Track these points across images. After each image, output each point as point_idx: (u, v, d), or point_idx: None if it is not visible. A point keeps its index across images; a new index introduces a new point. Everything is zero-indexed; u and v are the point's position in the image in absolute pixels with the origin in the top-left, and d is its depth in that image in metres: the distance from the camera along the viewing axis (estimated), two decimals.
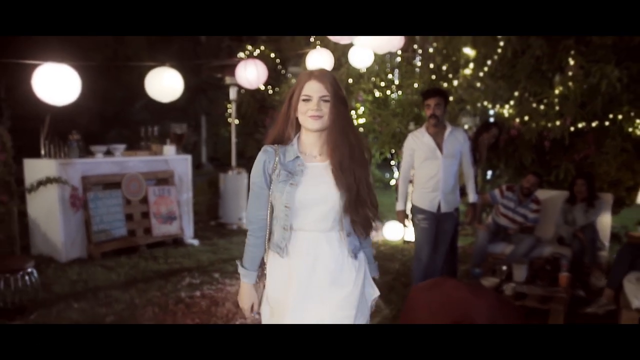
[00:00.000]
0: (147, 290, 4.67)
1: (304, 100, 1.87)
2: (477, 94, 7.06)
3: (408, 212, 4.46)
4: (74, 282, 4.87)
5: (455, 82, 7.15)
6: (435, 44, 7.54)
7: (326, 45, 7.04)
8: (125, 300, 4.42)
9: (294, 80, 8.40)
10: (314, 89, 1.86)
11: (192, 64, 10.72)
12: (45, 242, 5.53)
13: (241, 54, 8.97)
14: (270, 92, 8.91)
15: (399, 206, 4.30)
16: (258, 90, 8.65)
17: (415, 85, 7.55)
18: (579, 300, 4.45)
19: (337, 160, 1.86)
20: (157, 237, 6.17)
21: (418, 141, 4.11)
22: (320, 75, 1.90)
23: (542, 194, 5.45)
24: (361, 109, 8.04)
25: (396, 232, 6.95)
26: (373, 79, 7.96)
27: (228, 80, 7.80)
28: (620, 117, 6.42)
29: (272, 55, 8.85)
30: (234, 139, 8.45)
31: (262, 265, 2.05)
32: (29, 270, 4.05)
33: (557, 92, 6.64)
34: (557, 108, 6.57)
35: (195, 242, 6.52)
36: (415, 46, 8.12)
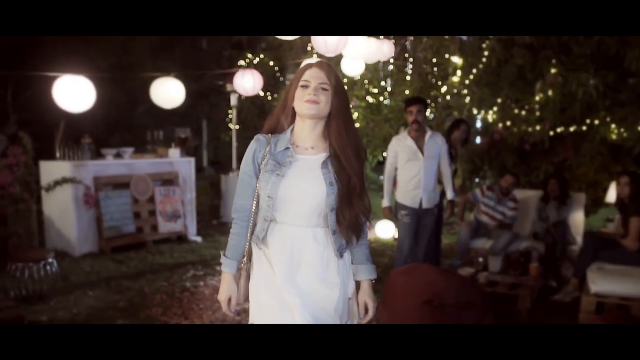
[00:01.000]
0: (155, 281, 5.10)
1: (302, 86, 1.85)
2: (462, 101, 7.51)
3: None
4: (88, 273, 5.30)
5: (443, 89, 7.59)
6: (424, 54, 7.99)
7: (322, 54, 7.46)
8: (136, 288, 4.85)
9: None
10: (313, 76, 1.84)
11: (195, 74, 11.12)
12: (59, 237, 5.96)
13: (241, 62, 9.43)
14: (269, 98, 9.36)
15: (385, 203, 4.73)
16: (258, 96, 9.10)
17: (407, 92, 7.98)
18: (551, 289, 4.87)
19: (344, 152, 1.83)
20: (163, 234, 6.61)
21: (401, 144, 4.54)
22: (320, 64, 1.89)
23: (520, 193, 5.88)
24: (355, 115, 8.49)
25: (387, 230, 7.37)
26: (366, 86, 8.39)
27: (229, 87, 8.24)
28: (597, 122, 6.86)
29: (271, 63, 9.30)
30: (234, 143, 8.88)
31: (244, 258, 2.00)
32: (50, 260, 4.49)
33: (537, 98, 7.08)
34: (537, 114, 7.02)
35: (198, 238, 6.96)
36: (407, 55, 8.59)
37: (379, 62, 7.89)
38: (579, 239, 5.58)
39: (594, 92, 6.73)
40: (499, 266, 4.81)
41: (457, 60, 7.62)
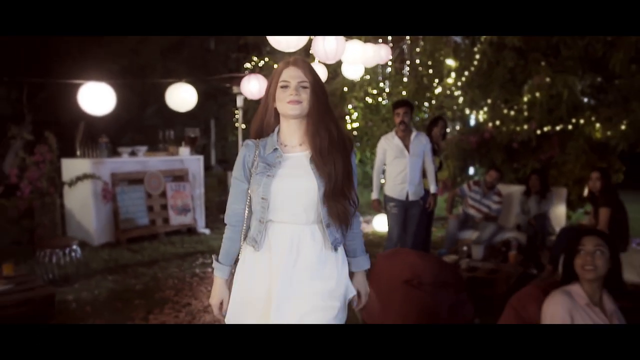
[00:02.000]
0: (167, 268, 5.59)
1: (282, 87, 1.85)
2: (455, 101, 7.95)
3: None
4: (106, 260, 5.81)
5: (437, 91, 8.03)
6: (419, 57, 8.43)
7: (322, 61, 7.92)
8: (150, 274, 5.34)
9: None
10: (291, 75, 1.85)
11: (204, 79, 11.56)
12: (79, 228, 6.47)
13: (247, 65, 9.91)
14: None
15: (374, 195, 5.19)
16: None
17: (404, 93, 8.42)
18: (531, 276, 5.31)
19: (317, 147, 1.84)
20: (174, 226, 7.11)
21: (389, 143, 4.99)
22: (297, 62, 1.89)
23: (505, 188, 6.33)
24: (355, 115, 8.95)
25: (384, 223, 7.82)
26: (365, 87, 8.83)
27: (235, 89, 8.70)
28: (582, 121, 7.27)
29: (276, 65, 9.75)
30: (240, 143, 9.35)
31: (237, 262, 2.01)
32: (74, 247, 4.99)
33: (525, 99, 7.51)
34: (525, 114, 7.45)
35: (207, 231, 7.46)
36: (405, 57, 9.03)
37: (377, 65, 8.36)
38: (558, 230, 6.00)
39: (579, 94, 7.14)
40: (481, 254, 5.25)
41: (451, 62, 8.06)
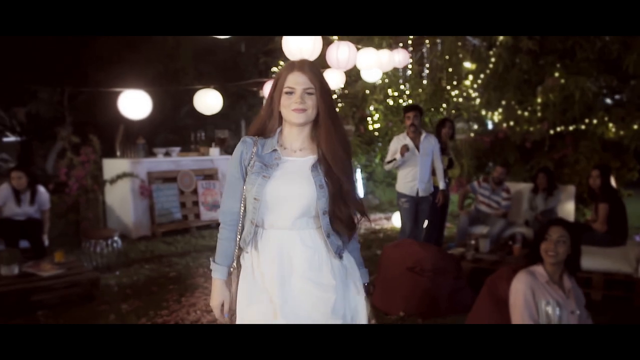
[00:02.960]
0: (198, 258, 6.12)
1: (286, 93, 1.80)
2: (471, 103, 8.28)
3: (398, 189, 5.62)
4: (143, 251, 6.37)
5: (453, 93, 8.38)
6: (437, 60, 8.78)
7: (335, 69, 8.35)
8: (183, 263, 5.88)
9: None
10: (297, 82, 1.80)
11: (232, 84, 12.04)
12: (119, 222, 7.07)
13: (274, 69, 10.40)
14: None
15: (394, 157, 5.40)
16: None
17: (424, 95, 8.77)
18: None
19: (331, 152, 1.81)
20: (204, 221, 7.66)
21: (401, 143, 5.40)
22: (302, 66, 1.83)
23: (515, 186, 6.66)
24: (376, 116, 9.35)
25: None
26: (387, 90, 9.21)
27: (261, 93, 9.22)
28: (595, 121, 7.54)
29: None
30: None
31: (234, 262, 1.96)
32: (115, 239, 5.56)
33: (539, 100, 7.80)
34: (539, 114, 7.74)
35: None
36: (424, 60, 9.38)
37: (398, 68, 8.73)
38: None
39: (591, 94, 7.40)
40: (487, 247, 5.61)
41: (468, 65, 8.40)
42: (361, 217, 1.90)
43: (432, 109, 8.61)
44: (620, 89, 8.18)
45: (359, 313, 1.90)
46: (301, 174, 1.83)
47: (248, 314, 1.86)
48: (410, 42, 9.17)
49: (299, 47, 4.40)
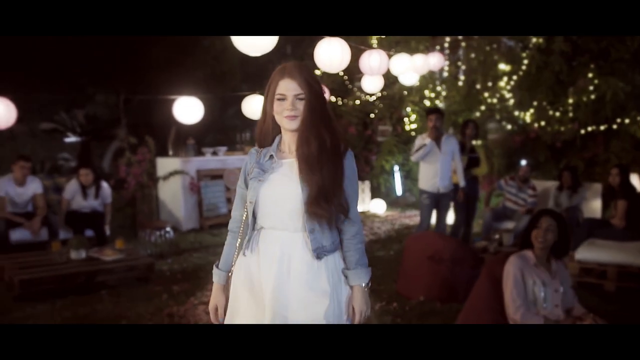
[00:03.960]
0: None
1: (278, 99, 1.83)
2: (505, 104, 8.56)
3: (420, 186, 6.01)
4: (192, 242, 6.99)
5: (487, 94, 8.67)
6: (471, 63, 9.08)
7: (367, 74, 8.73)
8: None
9: (358, 93, 10.28)
10: (288, 88, 1.82)
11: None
12: (170, 216, 7.73)
13: (317, 71, 10.91)
14: (340, 103, 10.76)
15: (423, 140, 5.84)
16: (329, 101, 10.54)
17: (460, 96, 9.09)
18: None
19: (305, 155, 1.82)
20: None
21: (424, 142, 5.79)
22: (293, 71, 1.83)
23: (541, 184, 6.94)
24: (412, 117, 9.73)
25: None
26: (423, 91, 9.56)
27: None
28: (627, 121, 7.70)
29: (340, 72, 10.70)
30: None
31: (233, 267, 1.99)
32: (167, 229, 6.18)
33: (570, 101, 8.02)
34: (570, 114, 7.96)
35: None
36: (460, 63, 9.69)
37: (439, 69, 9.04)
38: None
39: (622, 94, 7.57)
40: (511, 241, 5.93)
41: (503, 67, 8.67)
42: (344, 217, 1.89)
43: (467, 110, 8.91)
44: None
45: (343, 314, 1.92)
46: (290, 174, 1.87)
47: (237, 314, 1.94)
48: (447, 44, 9.51)
49: (329, 57, 4.85)
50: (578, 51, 8.16)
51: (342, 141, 1.90)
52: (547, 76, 8.23)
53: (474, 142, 6.56)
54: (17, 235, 5.66)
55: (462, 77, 9.48)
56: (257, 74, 13.91)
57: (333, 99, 10.46)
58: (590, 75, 7.95)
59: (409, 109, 9.73)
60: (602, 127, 7.87)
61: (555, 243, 3.07)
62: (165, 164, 7.65)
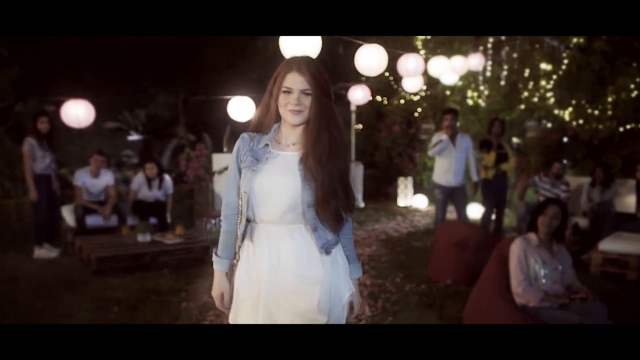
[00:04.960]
0: None
1: (284, 92, 1.81)
2: (545, 102, 8.79)
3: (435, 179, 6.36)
4: None
5: (526, 93, 8.92)
6: (511, 63, 9.34)
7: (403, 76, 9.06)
8: None
9: (403, 93, 10.67)
10: (295, 82, 1.80)
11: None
12: None
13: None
14: (385, 102, 11.18)
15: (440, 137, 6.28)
16: (375, 100, 10.98)
17: (501, 95, 9.35)
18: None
19: (317, 154, 1.79)
20: None
21: (440, 139, 6.17)
22: (301, 65, 1.81)
23: (577, 180, 7.20)
24: None
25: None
26: (465, 91, 9.87)
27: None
28: None
29: (387, 73, 11.12)
30: (353, 140, 10.87)
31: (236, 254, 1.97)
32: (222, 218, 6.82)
33: (610, 99, 8.19)
34: (609, 113, 8.13)
35: None
36: (502, 63, 9.95)
37: (478, 70, 9.34)
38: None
39: None
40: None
41: (545, 66, 8.91)
42: (346, 214, 1.90)
43: (507, 109, 9.16)
44: None
45: (344, 309, 1.92)
46: (289, 168, 1.84)
47: (239, 307, 1.94)
48: (490, 44, 9.80)
49: (367, 62, 5.33)
50: (619, 50, 8.31)
51: (344, 143, 1.90)
52: (587, 75, 8.42)
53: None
54: (92, 220, 6.41)
55: (505, 73, 9.68)
56: None
57: (379, 98, 10.92)
58: (631, 74, 8.10)
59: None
60: None
61: (557, 228, 3.47)
62: (220, 159, 8.30)
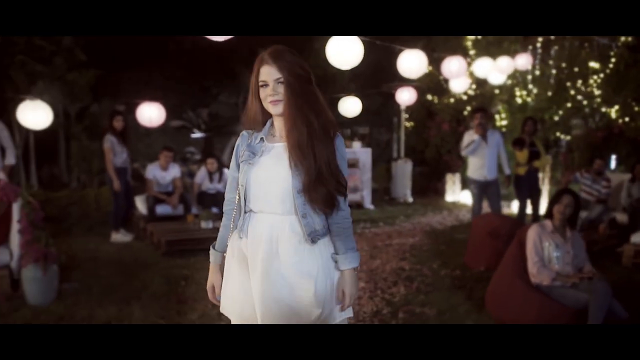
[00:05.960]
0: None
1: (262, 86, 1.85)
2: (592, 100, 8.94)
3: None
4: None
5: (572, 92, 9.09)
6: (558, 62, 9.50)
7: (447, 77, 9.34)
8: None
9: (453, 92, 10.98)
10: (268, 73, 1.83)
11: (374, 92, 13.23)
12: None
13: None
14: (435, 101, 11.53)
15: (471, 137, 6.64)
16: (426, 99, 11.35)
17: (549, 93, 9.55)
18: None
19: (294, 141, 1.82)
20: (349, 201, 9.33)
21: (472, 138, 6.51)
22: (272, 57, 1.84)
23: (618, 176, 7.39)
24: (503, 114, 10.31)
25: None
26: (513, 90, 10.09)
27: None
28: None
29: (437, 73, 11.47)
30: (402, 137, 11.29)
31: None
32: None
33: None
34: None
35: (372, 207, 9.59)
36: (551, 62, 10.11)
37: (527, 69, 9.54)
38: None
39: None
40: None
41: (594, 65, 9.06)
42: (341, 196, 1.89)
43: (553, 107, 9.36)
44: None
45: (332, 298, 1.93)
46: (280, 157, 1.88)
47: (226, 296, 1.99)
48: (539, 44, 9.99)
49: (408, 66, 5.78)
50: None
51: (332, 123, 1.90)
52: (635, 73, 8.53)
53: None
54: (160, 209, 7.17)
55: (553, 72, 9.84)
56: (366, 73, 14.86)
57: (429, 97, 11.29)
58: None
59: (499, 107, 10.31)
60: None
61: (571, 216, 3.85)
62: None
